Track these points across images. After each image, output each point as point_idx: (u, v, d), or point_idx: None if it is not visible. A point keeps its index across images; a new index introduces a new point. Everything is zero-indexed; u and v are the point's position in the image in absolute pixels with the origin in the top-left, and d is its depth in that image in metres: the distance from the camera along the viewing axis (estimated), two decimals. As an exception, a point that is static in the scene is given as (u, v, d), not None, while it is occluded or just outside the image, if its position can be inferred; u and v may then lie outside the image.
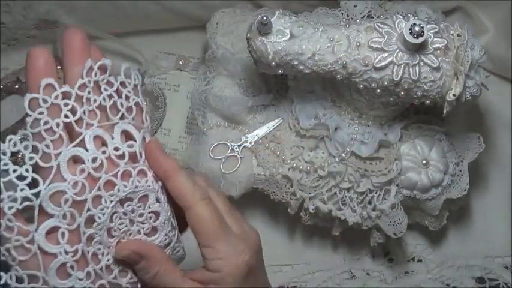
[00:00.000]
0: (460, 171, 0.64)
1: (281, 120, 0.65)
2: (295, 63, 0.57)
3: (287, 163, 0.63)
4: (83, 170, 0.41)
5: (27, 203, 0.40)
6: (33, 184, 0.41)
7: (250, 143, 0.65)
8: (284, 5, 0.71)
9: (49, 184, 0.40)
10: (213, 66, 0.68)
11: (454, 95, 0.55)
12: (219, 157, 0.64)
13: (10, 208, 0.40)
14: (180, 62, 0.77)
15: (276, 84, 0.67)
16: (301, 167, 0.63)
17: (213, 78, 0.67)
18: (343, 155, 0.62)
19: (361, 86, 0.57)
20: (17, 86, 0.72)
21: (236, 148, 0.64)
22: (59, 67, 0.76)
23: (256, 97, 0.65)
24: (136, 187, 0.43)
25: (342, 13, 0.68)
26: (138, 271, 0.45)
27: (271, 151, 0.64)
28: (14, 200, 0.40)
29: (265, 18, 0.55)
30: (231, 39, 0.68)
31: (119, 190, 0.42)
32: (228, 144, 0.65)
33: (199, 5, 0.72)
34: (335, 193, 0.63)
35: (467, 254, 0.73)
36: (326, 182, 0.63)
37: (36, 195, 0.40)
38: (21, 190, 0.40)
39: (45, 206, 0.40)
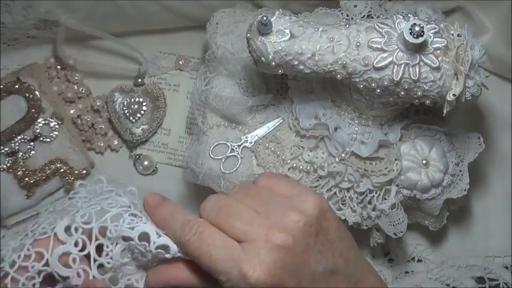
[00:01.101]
0: (460, 171, 0.64)
1: (281, 120, 0.65)
2: (295, 63, 0.57)
3: (287, 163, 0.63)
4: (76, 229, 0.45)
5: (44, 273, 0.44)
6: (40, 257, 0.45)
7: (250, 143, 0.65)
8: (284, 5, 0.71)
9: (52, 251, 0.44)
10: (213, 66, 0.68)
11: (454, 95, 0.55)
12: (219, 157, 0.64)
13: (34, 285, 0.44)
14: (180, 62, 0.77)
15: (276, 84, 0.67)
16: (301, 167, 0.63)
17: (213, 78, 0.67)
18: (343, 155, 0.62)
19: (361, 86, 0.57)
20: (17, 86, 0.72)
21: (236, 148, 0.64)
22: (59, 67, 0.76)
23: (256, 97, 0.65)
24: (129, 224, 0.45)
25: (342, 13, 0.68)
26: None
27: (271, 151, 0.64)
28: (32, 277, 0.44)
29: (265, 18, 0.55)
30: (231, 39, 0.68)
31: (110, 231, 0.45)
32: (228, 144, 0.65)
33: (199, 5, 0.72)
34: (335, 193, 0.63)
35: (467, 254, 0.73)
36: (326, 182, 0.63)
37: (47, 264, 0.44)
38: (32, 267, 0.44)
39: (58, 270, 0.44)
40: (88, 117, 0.75)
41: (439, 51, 0.55)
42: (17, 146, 0.71)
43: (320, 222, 0.47)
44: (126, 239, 0.45)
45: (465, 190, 0.64)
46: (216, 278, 0.44)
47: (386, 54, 0.55)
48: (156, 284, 0.46)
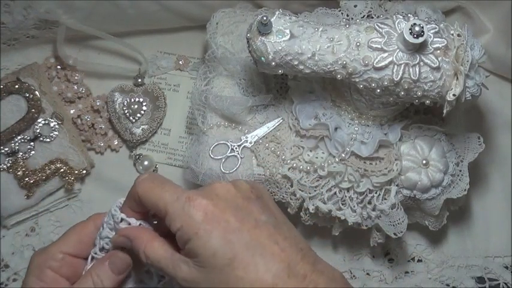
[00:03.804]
0: (460, 171, 0.64)
1: (281, 120, 0.65)
2: (295, 63, 0.57)
3: (287, 163, 0.63)
4: None
5: None
6: None
7: (250, 143, 0.65)
8: (284, 5, 0.71)
9: None
10: (213, 66, 0.68)
11: (454, 95, 0.55)
12: (219, 157, 0.64)
13: None
14: (180, 62, 0.77)
15: (276, 84, 0.67)
16: (301, 167, 0.63)
17: (213, 78, 0.67)
18: (343, 155, 0.62)
19: (361, 86, 0.57)
20: (17, 86, 0.72)
21: (236, 148, 0.64)
22: (59, 67, 0.76)
23: (256, 97, 0.66)
24: None
25: (342, 13, 0.68)
26: (135, 254, 0.48)
27: (271, 151, 0.64)
28: None
29: (265, 18, 0.55)
30: (231, 39, 0.68)
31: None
32: (228, 144, 0.65)
33: (199, 5, 0.72)
34: (335, 193, 0.63)
35: (467, 254, 0.73)
36: (326, 182, 0.63)
37: None
38: None
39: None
40: (88, 117, 0.75)
41: (439, 51, 0.55)
42: (17, 146, 0.71)
43: (260, 192, 0.49)
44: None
45: (465, 190, 0.64)
46: (164, 215, 0.46)
47: (386, 54, 0.55)
48: (118, 233, 0.48)
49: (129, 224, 0.49)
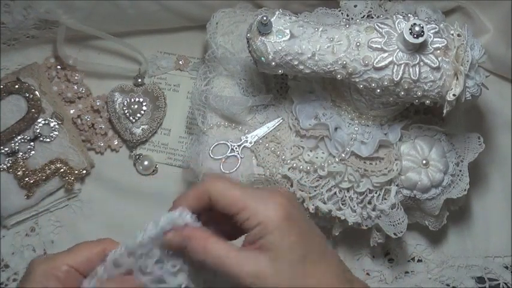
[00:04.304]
0: (460, 171, 0.64)
1: (281, 120, 0.65)
2: (295, 63, 0.57)
3: (287, 163, 0.63)
4: None
5: None
6: None
7: (250, 143, 0.65)
8: (284, 5, 0.71)
9: None
10: (213, 66, 0.68)
11: (454, 95, 0.55)
12: (219, 157, 0.64)
13: None
14: (180, 62, 0.77)
15: (276, 84, 0.67)
16: (301, 167, 0.63)
17: (213, 78, 0.67)
18: (343, 155, 0.62)
19: (361, 86, 0.57)
20: (17, 86, 0.72)
21: (236, 148, 0.64)
22: (59, 67, 0.76)
23: (256, 97, 0.66)
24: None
25: (342, 13, 0.68)
26: (191, 255, 0.46)
27: (271, 151, 0.64)
28: None
29: (265, 18, 0.55)
30: (231, 39, 0.68)
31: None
32: (228, 144, 0.65)
33: (199, 5, 0.72)
34: (335, 193, 0.63)
35: (467, 254, 0.73)
36: (326, 182, 0.63)
37: None
38: None
39: None
40: (88, 117, 0.75)
41: (439, 51, 0.55)
42: (17, 146, 0.71)
43: (295, 204, 0.50)
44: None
45: (465, 190, 0.64)
46: (237, 212, 0.46)
47: (386, 54, 0.55)
48: (171, 235, 0.47)
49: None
